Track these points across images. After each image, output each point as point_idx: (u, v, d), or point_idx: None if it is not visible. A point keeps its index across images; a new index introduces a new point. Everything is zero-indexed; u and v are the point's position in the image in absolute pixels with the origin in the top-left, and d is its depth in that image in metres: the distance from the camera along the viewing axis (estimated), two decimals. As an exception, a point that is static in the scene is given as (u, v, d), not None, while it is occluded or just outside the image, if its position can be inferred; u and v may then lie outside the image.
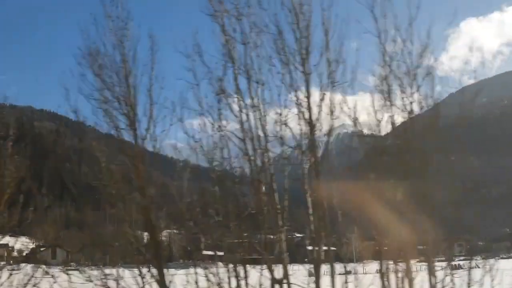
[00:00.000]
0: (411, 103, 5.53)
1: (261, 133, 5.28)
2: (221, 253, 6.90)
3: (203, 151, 5.60)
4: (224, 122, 5.35)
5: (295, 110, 5.50)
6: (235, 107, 5.31)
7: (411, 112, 5.59)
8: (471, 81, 5.69)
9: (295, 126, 5.41)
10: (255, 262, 5.63)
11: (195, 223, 5.74)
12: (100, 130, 5.98)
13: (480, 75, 5.45)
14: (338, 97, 5.44)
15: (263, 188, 5.36)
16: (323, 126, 5.53)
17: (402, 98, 5.31)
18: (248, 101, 5.27)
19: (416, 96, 5.29)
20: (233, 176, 5.56)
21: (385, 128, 5.80)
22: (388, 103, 5.59)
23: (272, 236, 5.39)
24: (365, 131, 5.56)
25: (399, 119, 5.60)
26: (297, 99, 5.48)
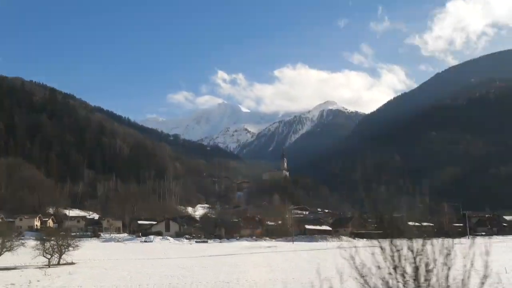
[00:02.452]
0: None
1: (245, 109, 6.45)
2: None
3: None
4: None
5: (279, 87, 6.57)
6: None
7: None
8: (456, 62, 7.35)
9: (279, 102, 6.29)
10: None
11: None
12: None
13: (465, 57, 6.85)
14: (322, 74, 6.38)
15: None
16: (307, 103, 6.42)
17: (388, 76, 6.24)
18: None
19: (402, 74, 6.36)
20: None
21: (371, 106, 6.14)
22: (373, 80, 6.50)
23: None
24: (350, 108, 6.51)
25: (385, 97, 6.56)
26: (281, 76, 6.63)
